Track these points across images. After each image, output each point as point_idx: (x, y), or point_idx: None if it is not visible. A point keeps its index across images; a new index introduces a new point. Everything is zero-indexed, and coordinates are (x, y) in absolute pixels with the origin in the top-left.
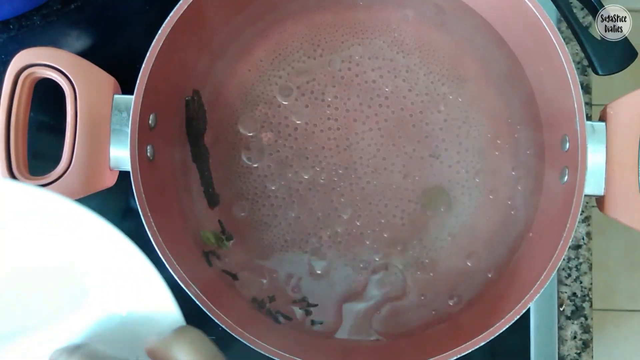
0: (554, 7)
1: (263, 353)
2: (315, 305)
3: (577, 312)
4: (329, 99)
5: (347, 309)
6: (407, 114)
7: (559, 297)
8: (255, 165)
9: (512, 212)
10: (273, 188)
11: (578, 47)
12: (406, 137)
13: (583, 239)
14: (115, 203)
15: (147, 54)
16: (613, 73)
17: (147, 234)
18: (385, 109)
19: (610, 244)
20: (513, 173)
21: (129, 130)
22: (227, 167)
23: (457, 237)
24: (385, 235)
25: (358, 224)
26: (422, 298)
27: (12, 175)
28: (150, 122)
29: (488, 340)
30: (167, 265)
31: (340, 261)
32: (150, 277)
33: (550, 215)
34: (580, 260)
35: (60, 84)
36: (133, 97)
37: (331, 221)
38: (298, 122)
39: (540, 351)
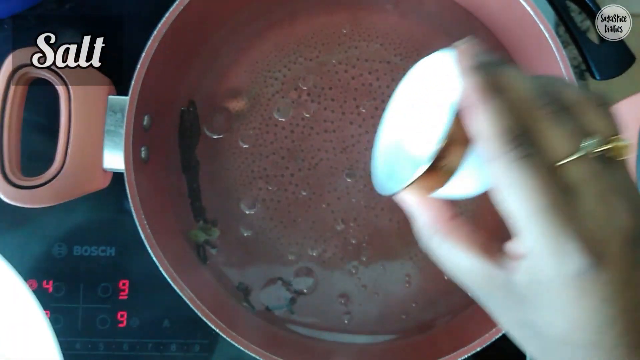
0: (552, 11)
1: (250, 354)
2: (304, 294)
3: None
4: (326, 101)
5: (339, 309)
6: None
7: None
8: (251, 168)
9: None
10: (270, 190)
11: (576, 51)
12: None
13: None
14: (109, 204)
15: (142, 55)
16: (611, 78)
17: (140, 236)
18: (382, 111)
19: None
20: None
21: (123, 132)
22: (220, 172)
23: None
24: (382, 239)
25: (354, 227)
26: (418, 302)
27: (5, 177)
28: (144, 123)
29: (484, 346)
30: (160, 267)
31: (336, 264)
32: None
33: None
34: None
35: (55, 84)
36: (128, 98)
37: (327, 225)
38: (294, 124)
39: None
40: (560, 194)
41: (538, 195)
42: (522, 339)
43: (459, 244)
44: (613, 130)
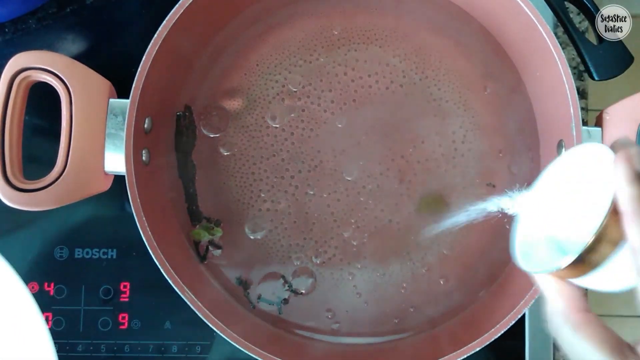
0: (551, 12)
1: (250, 354)
2: (300, 294)
3: None
4: (325, 104)
5: (327, 322)
6: (404, 119)
7: None
8: (252, 171)
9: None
10: (270, 192)
11: (574, 52)
12: (402, 141)
13: None
14: (110, 207)
15: (143, 58)
16: (609, 78)
17: (141, 238)
18: (381, 113)
19: None
20: (509, 178)
21: (124, 135)
22: (218, 177)
23: (453, 242)
24: (381, 240)
25: (354, 229)
26: (416, 304)
27: (7, 180)
28: (145, 126)
29: (483, 346)
30: (161, 269)
31: (336, 265)
32: None
33: None
34: None
35: (56, 87)
36: (129, 101)
37: (327, 226)
38: (294, 126)
39: (535, 357)
40: None
41: None
42: None
43: (591, 340)
44: None
